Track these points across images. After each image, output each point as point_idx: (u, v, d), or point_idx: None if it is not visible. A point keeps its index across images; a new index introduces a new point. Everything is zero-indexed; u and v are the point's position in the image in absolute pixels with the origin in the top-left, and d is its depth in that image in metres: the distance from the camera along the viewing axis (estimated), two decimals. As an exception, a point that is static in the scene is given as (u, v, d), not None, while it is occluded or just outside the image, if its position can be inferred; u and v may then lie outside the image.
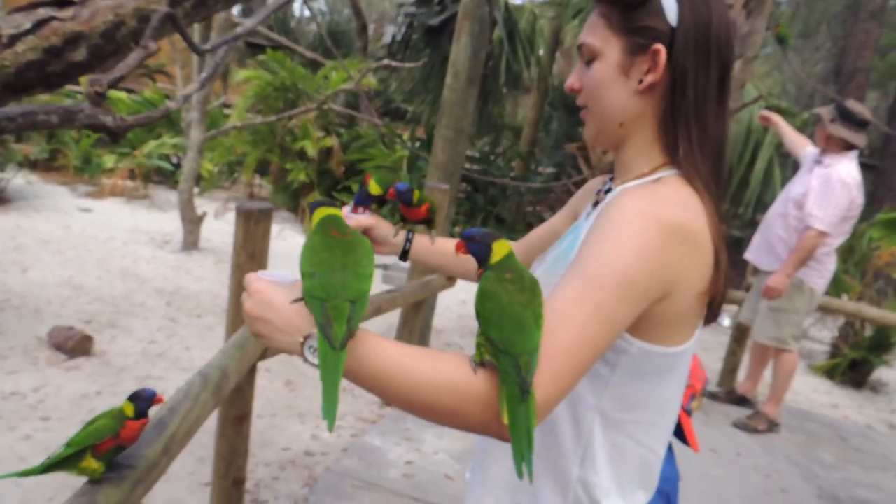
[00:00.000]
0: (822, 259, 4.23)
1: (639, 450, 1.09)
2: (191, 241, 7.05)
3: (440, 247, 1.43)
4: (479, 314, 0.86)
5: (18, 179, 8.27)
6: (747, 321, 4.80)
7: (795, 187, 4.27)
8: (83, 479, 1.37)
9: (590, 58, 1.05)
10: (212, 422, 2.91)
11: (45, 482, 2.64)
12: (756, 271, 4.88)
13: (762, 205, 7.56)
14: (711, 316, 1.04)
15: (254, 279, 0.91)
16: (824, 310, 5.16)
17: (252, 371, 2.69)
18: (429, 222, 1.46)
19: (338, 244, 0.92)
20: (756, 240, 4.57)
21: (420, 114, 10.31)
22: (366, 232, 1.38)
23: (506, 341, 0.81)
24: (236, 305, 2.65)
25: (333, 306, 0.83)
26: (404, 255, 1.42)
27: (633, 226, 0.91)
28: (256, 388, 2.79)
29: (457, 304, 6.88)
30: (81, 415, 3.43)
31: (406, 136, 10.59)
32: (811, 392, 5.98)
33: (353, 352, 0.85)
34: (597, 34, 1.04)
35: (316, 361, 0.84)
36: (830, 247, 4.19)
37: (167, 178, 10.04)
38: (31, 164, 9.16)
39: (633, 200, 0.94)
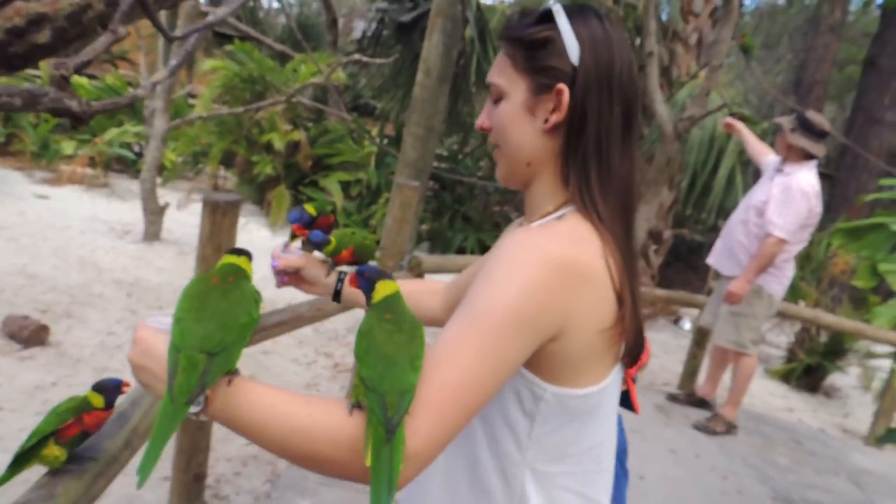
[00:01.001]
0: (781, 266, 4.33)
1: (579, 502, 1.05)
2: (152, 232, 6.90)
3: None
4: (355, 352, 0.85)
5: (-29, 163, 8.01)
6: (708, 325, 4.88)
7: (757, 195, 4.36)
8: (37, 473, 1.33)
9: (497, 97, 1.06)
10: (172, 416, 2.85)
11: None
12: (717, 276, 4.97)
13: (724, 211, 7.70)
14: (632, 360, 1.03)
15: (140, 327, 0.89)
16: (782, 315, 5.28)
17: (216, 365, 2.65)
18: (359, 263, 1.42)
19: (214, 291, 0.89)
20: (718, 245, 4.65)
21: (389, 110, 10.24)
22: (297, 272, 1.37)
23: (374, 379, 0.80)
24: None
25: (186, 356, 0.81)
26: (336, 296, 1.39)
27: (517, 262, 0.89)
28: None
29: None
30: (35, 406, 3.34)
31: (375, 132, 10.53)
32: (767, 396, 6.12)
33: (228, 401, 0.83)
34: (503, 74, 1.04)
35: (192, 411, 0.82)
36: (789, 254, 4.29)
37: (128, 167, 9.81)
38: (-14, 148, 8.87)
39: (521, 237, 0.93)
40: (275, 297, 5.80)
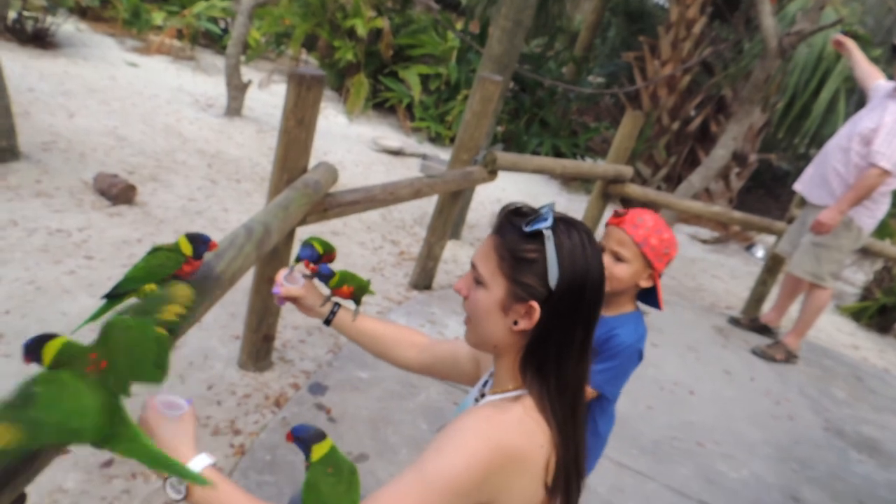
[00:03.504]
0: (878, 199, 4.11)
1: None
2: (234, 108, 7.03)
3: (359, 325, 1.59)
4: (304, 498, 1.02)
5: (68, 26, 8.21)
6: (784, 253, 4.73)
7: (864, 121, 4.07)
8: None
9: (478, 280, 1.14)
10: (247, 280, 3.00)
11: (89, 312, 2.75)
12: (802, 203, 4.76)
13: (819, 139, 7.25)
14: None
15: (148, 407, 1.06)
16: (864, 252, 5.06)
17: (291, 234, 2.75)
18: (355, 299, 1.63)
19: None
20: (809, 171, 4.43)
21: (475, 5, 9.88)
22: (294, 300, 1.56)
23: None
24: (282, 166, 2.66)
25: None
26: (327, 322, 1.58)
27: (470, 444, 1.03)
28: (291, 255, 2.85)
29: (492, 201, 6.86)
30: (122, 259, 3.56)
31: (459, 27, 10.24)
32: (834, 331, 5.97)
33: (207, 496, 0.99)
34: (488, 266, 1.12)
35: (174, 497, 0.99)
36: (889, 187, 4.05)
37: (214, 41, 9.89)
38: (82, 12, 9.06)
39: (478, 422, 1.07)
40: (347, 181, 5.89)
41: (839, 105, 7.01)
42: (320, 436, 1.09)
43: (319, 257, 1.61)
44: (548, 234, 1.07)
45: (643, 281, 1.78)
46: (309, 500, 1.00)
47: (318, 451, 1.07)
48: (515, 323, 1.11)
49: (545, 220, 1.08)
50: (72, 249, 3.52)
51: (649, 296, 1.83)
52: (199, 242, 1.44)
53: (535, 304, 1.08)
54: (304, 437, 1.08)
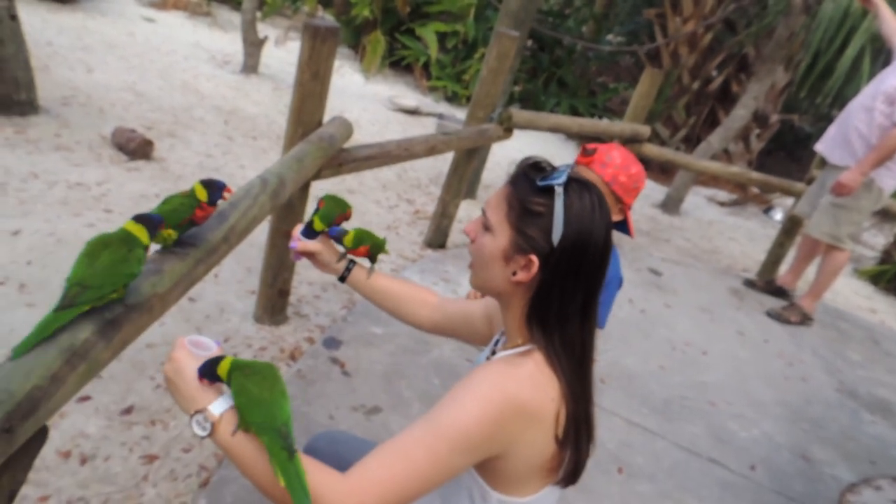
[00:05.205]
0: (899, 159, 4.04)
1: None
2: (251, 65, 7.00)
3: (374, 283, 1.60)
4: (239, 407, 1.02)
5: (84, -20, 8.17)
6: (803, 214, 4.68)
7: (889, 80, 3.98)
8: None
9: (486, 226, 1.16)
10: (262, 235, 3.03)
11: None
12: (822, 164, 4.69)
13: (842, 99, 7.08)
14: (572, 480, 1.17)
15: (178, 346, 1.09)
16: (884, 214, 4.98)
17: (305, 188, 2.76)
18: (371, 258, 1.64)
19: (108, 248, 1.15)
20: (831, 131, 4.35)
21: (495, -41, 9.70)
22: (310, 256, 1.58)
23: (267, 421, 1.00)
24: (296, 120, 2.66)
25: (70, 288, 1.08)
26: (342, 280, 1.60)
27: (483, 396, 1.05)
28: (306, 210, 2.87)
29: (508, 161, 6.81)
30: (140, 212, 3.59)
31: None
32: (851, 294, 5.93)
33: (228, 436, 1.02)
34: (497, 213, 1.13)
35: (199, 433, 1.01)
36: (912, 146, 3.98)
37: (230, -2, 9.81)
38: (97, -33, 9.00)
39: (491, 375, 1.08)
40: (363, 140, 5.87)
41: (864, 64, 6.83)
42: (219, 358, 1.10)
43: (316, 234, 1.58)
44: (559, 190, 1.08)
45: (615, 215, 1.88)
46: (243, 403, 1.01)
47: (223, 367, 1.07)
48: (514, 274, 1.12)
49: (559, 177, 1.09)
50: (91, 203, 3.56)
51: (620, 226, 1.95)
52: (214, 188, 1.46)
53: (535, 258, 1.09)
54: (208, 369, 1.09)
